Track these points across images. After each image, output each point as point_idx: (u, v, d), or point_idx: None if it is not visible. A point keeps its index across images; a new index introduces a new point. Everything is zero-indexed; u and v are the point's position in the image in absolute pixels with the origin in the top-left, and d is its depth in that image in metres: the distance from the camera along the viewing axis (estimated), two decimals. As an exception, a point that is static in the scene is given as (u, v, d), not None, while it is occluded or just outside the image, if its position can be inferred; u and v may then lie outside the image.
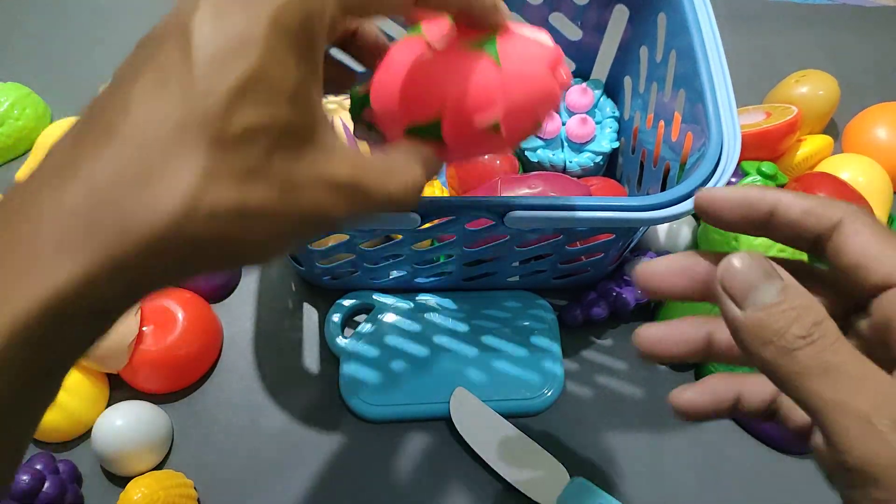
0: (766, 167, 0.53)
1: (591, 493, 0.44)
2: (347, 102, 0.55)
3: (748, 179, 0.52)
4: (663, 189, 0.46)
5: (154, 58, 0.19)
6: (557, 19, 0.53)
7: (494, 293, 0.52)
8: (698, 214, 0.24)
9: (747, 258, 0.20)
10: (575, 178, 0.49)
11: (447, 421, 0.47)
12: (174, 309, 0.48)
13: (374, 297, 0.51)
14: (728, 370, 0.47)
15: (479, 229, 0.40)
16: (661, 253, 0.50)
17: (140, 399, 0.47)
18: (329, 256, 0.46)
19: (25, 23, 0.69)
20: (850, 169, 0.54)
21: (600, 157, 0.54)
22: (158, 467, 0.46)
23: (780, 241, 0.24)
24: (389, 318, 0.50)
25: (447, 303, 0.51)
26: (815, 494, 0.46)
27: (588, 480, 0.44)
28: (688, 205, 0.37)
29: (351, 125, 0.55)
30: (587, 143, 0.54)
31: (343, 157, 0.22)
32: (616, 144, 0.54)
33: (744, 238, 0.47)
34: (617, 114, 0.56)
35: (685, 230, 0.52)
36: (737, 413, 0.26)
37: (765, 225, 0.23)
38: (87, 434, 0.46)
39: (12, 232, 0.18)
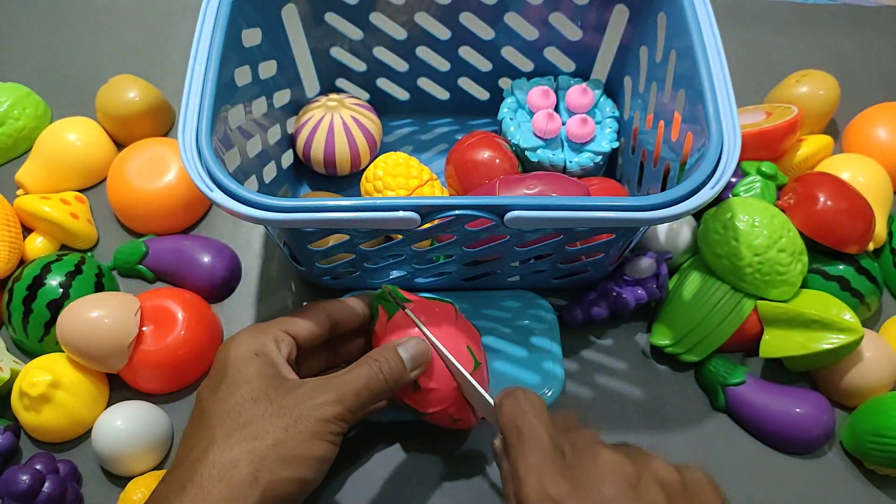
0: (767, 167, 0.53)
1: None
2: (348, 101, 0.55)
3: (748, 179, 0.52)
4: (663, 189, 0.46)
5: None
6: (557, 19, 0.53)
7: (494, 293, 0.52)
8: None
9: None
10: (574, 178, 0.49)
11: (447, 421, 0.47)
12: (174, 309, 0.48)
13: (374, 297, 0.51)
14: (724, 360, 0.48)
15: (479, 229, 0.40)
16: (660, 253, 0.50)
17: (140, 399, 0.47)
18: (329, 256, 0.45)
19: (25, 23, 0.69)
20: (850, 169, 0.54)
21: (600, 157, 0.54)
22: (158, 467, 0.46)
23: None
24: (389, 318, 0.50)
25: (447, 303, 0.51)
26: (816, 494, 0.46)
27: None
28: (688, 205, 0.37)
29: (350, 123, 0.55)
30: (587, 143, 0.54)
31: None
32: (616, 144, 0.54)
33: (743, 237, 0.47)
34: (617, 114, 0.56)
35: (685, 230, 0.52)
36: None
37: None
38: (87, 434, 0.46)
39: None
